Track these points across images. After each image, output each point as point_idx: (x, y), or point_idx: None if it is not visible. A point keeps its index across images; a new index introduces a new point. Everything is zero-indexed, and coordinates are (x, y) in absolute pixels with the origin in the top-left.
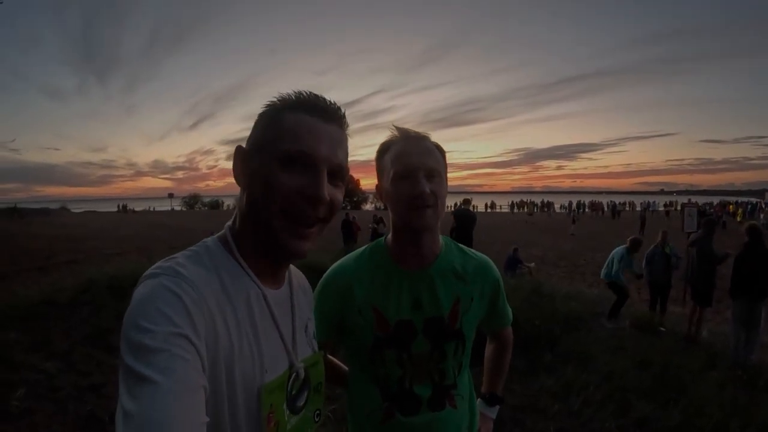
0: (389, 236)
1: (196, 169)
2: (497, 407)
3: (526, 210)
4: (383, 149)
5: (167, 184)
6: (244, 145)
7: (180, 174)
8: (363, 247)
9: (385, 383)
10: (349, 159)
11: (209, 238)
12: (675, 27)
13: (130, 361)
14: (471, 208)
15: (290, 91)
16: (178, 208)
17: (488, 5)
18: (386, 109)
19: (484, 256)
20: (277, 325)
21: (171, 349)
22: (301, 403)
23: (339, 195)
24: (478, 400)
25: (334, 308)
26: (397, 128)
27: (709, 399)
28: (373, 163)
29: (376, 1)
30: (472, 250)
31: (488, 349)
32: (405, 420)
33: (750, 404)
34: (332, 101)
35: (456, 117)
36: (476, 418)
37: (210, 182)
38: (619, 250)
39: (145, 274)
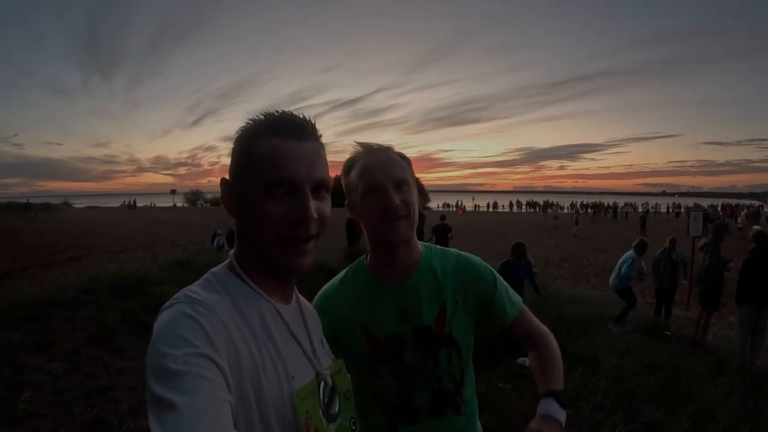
0: (368, 253)
1: (198, 165)
2: (562, 410)
3: (550, 212)
4: (348, 167)
5: (169, 180)
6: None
7: (182, 170)
8: (346, 268)
9: (383, 396)
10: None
11: (217, 267)
12: (679, 27)
13: (155, 387)
14: (446, 223)
15: (260, 115)
16: (180, 204)
17: (492, 6)
18: (388, 107)
19: (467, 255)
20: (295, 337)
21: (192, 369)
22: (334, 410)
23: (326, 207)
24: (541, 401)
25: (327, 332)
26: (359, 144)
27: (717, 404)
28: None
29: (380, 1)
30: (454, 250)
31: (530, 355)
32: (408, 429)
33: (758, 410)
34: (302, 116)
35: (458, 116)
36: (474, 421)
37: (212, 178)
38: (627, 255)
39: (162, 306)
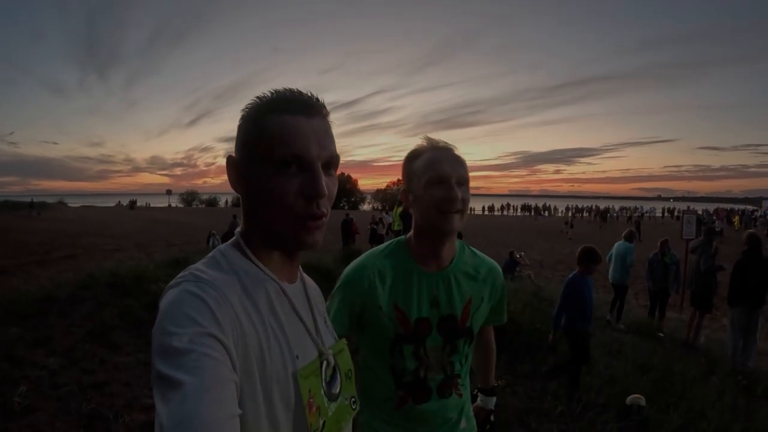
0: (410, 236)
1: (194, 166)
2: (494, 397)
3: (546, 215)
4: (413, 156)
5: (165, 180)
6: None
7: (178, 171)
8: (385, 244)
9: (401, 373)
10: (348, 159)
11: (222, 245)
12: (677, 32)
13: (160, 366)
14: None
15: (267, 92)
16: (175, 204)
17: (491, 9)
18: (386, 109)
19: (493, 261)
20: (299, 315)
21: (198, 348)
22: (336, 390)
23: (334, 184)
24: (478, 393)
25: (357, 302)
26: (428, 138)
27: (709, 404)
28: (372, 164)
29: (379, 3)
30: (483, 254)
31: (476, 348)
32: (417, 407)
33: (749, 410)
34: (309, 93)
35: (455, 119)
36: (469, 402)
37: (207, 179)
38: (621, 248)
39: (168, 285)
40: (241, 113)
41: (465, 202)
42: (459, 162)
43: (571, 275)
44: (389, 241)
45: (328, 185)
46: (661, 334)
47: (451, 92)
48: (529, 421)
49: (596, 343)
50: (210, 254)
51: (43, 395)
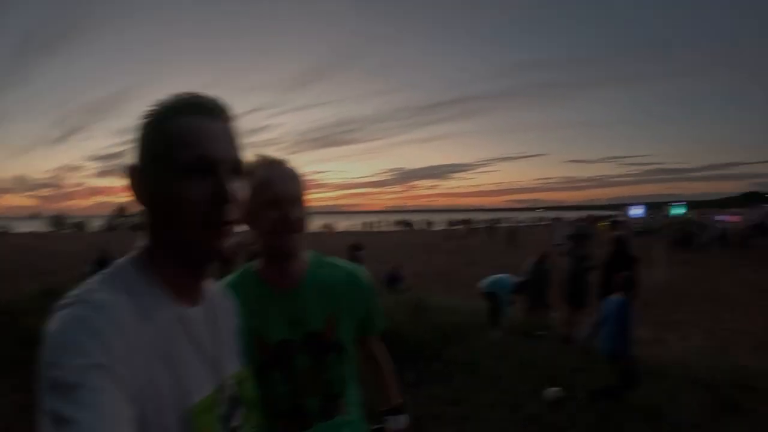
0: (257, 261)
1: (63, 186)
2: (405, 414)
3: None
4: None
5: (31, 202)
6: (128, 160)
7: (45, 192)
8: (233, 275)
9: (274, 403)
10: None
11: (121, 260)
12: (549, 56)
13: (48, 401)
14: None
15: (168, 96)
16: (38, 230)
17: (369, 29)
18: (263, 127)
19: (354, 265)
20: (198, 344)
21: (87, 383)
22: (236, 422)
23: (243, 190)
24: (386, 417)
25: None
26: (258, 155)
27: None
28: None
29: (260, 21)
30: (342, 261)
31: (367, 367)
32: None
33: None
34: (212, 97)
35: (332, 137)
36: (361, 421)
37: (77, 201)
38: (507, 285)
39: (58, 304)
40: (142, 119)
41: (302, 219)
42: (291, 178)
43: (619, 299)
44: (238, 270)
45: (237, 190)
46: (541, 333)
47: (329, 110)
48: (425, 425)
49: (479, 348)
50: (106, 271)
51: None
